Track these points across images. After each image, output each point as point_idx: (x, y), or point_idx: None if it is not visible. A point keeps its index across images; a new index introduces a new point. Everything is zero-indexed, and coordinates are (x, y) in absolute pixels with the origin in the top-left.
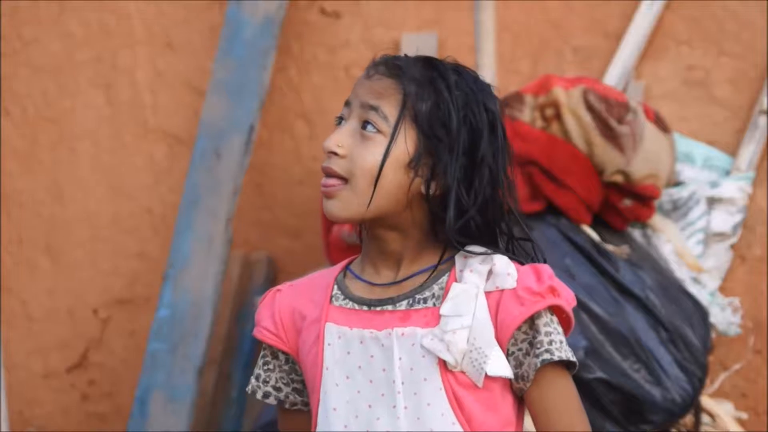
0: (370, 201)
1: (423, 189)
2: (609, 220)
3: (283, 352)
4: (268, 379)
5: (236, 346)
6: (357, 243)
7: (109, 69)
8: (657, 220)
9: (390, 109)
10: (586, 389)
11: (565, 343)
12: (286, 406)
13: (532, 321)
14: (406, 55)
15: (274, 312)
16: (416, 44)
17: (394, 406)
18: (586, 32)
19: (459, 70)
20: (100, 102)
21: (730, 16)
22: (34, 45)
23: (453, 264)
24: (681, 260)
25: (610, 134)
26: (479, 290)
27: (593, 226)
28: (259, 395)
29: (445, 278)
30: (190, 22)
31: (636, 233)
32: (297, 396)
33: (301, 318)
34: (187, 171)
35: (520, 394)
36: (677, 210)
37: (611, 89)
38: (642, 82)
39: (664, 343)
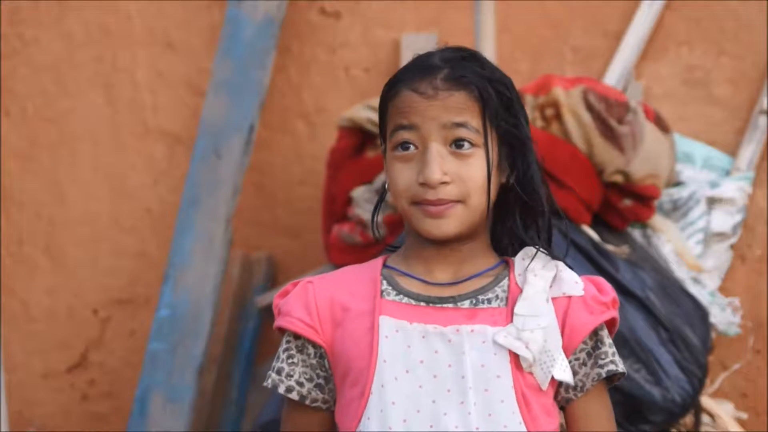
0: (483, 210)
1: (511, 179)
2: (609, 220)
3: (314, 345)
4: (292, 373)
5: (236, 346)
6: (358, 243)
7: (109, 69)
8: (657, 220)
9: (475, 120)
10: None
11: None
12: (307, 402)
13: (594, 332)
14: (447, 56)
15: (309, 302)
16: (416, 44)
17: (463, 402)
18: (586, 32)
19: (481, 57)
20: (100, 102)
21: (730, 16)
22: (34, 45)
23: (507, 266)
24: (681, 260)
25: (610, 134)
26: (548, 294)
27: (593, 226)
28: (281, 389)
29: (505, 281)
30: (190, 22)
31: (636, 233)
32: (319, 392)
33: (342, 310)
34: (187, 171)
35: (562, 403)
36: (677, 210)
37: (611, 89)
38: (642, 82)
39: (664, 343)
